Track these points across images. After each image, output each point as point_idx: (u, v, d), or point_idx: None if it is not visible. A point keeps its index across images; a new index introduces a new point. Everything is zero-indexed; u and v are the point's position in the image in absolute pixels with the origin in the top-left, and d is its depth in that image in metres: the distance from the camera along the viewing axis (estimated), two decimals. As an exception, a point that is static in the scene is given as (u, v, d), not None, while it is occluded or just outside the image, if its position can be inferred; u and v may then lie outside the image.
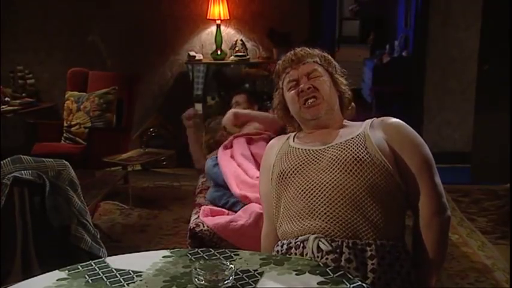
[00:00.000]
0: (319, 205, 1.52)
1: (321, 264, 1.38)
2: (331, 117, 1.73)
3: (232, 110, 3.15)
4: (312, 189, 1.56)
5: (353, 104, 1.83)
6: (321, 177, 1.56)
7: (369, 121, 1.71)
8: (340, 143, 1.62)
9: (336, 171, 1.55)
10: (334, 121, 1.74)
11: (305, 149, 1.67)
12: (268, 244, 1.72)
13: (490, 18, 4.34)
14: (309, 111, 1.71)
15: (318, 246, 1.47)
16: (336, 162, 1.57)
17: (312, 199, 1.54)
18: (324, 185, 1.54)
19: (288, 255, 1.51)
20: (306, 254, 1.48)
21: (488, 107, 4.39)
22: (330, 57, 1.82)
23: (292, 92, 1.74)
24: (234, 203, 2.62)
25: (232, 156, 2.88)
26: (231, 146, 3.00)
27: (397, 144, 1.61)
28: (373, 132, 1.64)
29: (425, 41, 4.86)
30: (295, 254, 1.51)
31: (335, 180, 1.54)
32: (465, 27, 4.74)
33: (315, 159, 1.62)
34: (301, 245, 1.51)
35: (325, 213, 1.51)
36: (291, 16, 4.89)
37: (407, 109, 5.21)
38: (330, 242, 1.47)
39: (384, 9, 9.21)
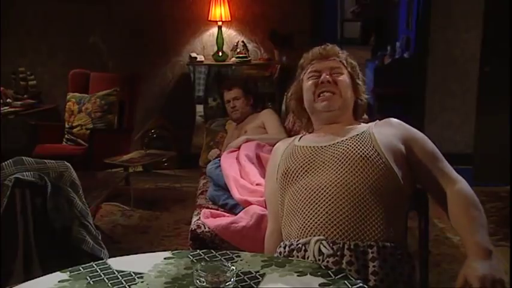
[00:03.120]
0: (321, 203, 1.53)
1: (323, 267, 1.38)
2: (342, 114, 1.75)
3: (245, 137, 3.15)
4: (315, 187, 1.56)
5: (366, 116, 1.86)
6: (324, 175, 1.57)
7: (372, 122, 1.73)
8: (346, 139, 1.64)
9: (339, 169, 1.56)
10: (343, 118, 1.75)
11: (310, 147, 1.68)
12: (271, 244, 1.72)
13: (491, 20, 4.34)
14: (322, 103, 1.74)
15: (320, 250, 1.47)
16: (340, 158, 1.58)
17: (314, 197, 1.55)
18: (327, 183, 1.55)
19: (289, 258, 1.51)
20: (308, 258, 1.48)
21: (489, 108, 4.39)
22: (355, 63, 1.86)
23: (311, 81, 1.77)
24: (234, 205, 2.63)
25: (236, 158, 2.88)
26: (239, 148, 3.00)
27: (408, 137, 1.65)
28: (378, 131, 1.65)
29: (427, 42, 4.85)
30: (297, 256, 1.51)
31: (338, 179, 1.55)
32: (466, 28, 4.74)
33: (320, 156, 1.63)
34: (303, 247, 1.51)
35: (327, 212, 1.51)
36: (292, 17, 4.89)
37: (408, 110, 5.20)
38: (331, 244, 1.47)
39: (385, 10, 9.21)
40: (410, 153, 1.62)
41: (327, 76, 1.74)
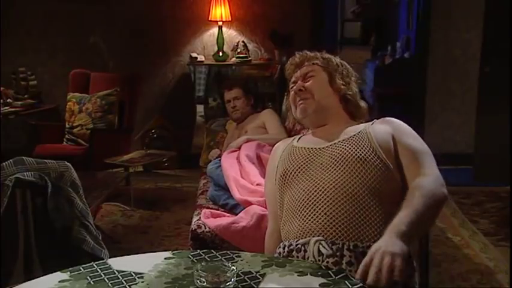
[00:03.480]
0: (320, 204, 1.53)
1: (323, 267, 1.38)
2: (323, 116, 1.77)
3: (245, 137, 3.15)
4: (313, 188, 1.57)
5: (364, 104, 1.85)
6: (323, 176, 1.58)
7: (369, 122, 1.73)
8: (343, 140, 1.65)
9: (338, 170, 1.56)
10: (331, 119, 1.76)
11: (308, 148, 1.69)
12: (271, 244, 1.72)
13: (492, 20, 4.34)
14: (299, 110, 1.79)
15: (319, 250, 1.47)
16: (338, 160, 1.58)
17: (313, 198, 1.55)
18: (326, 184, 1.55)
19: (289, 258, 1.51)
20: (308, 258, 1.48)
21: (490, 108, 4.39)
22: (330, 57, 1.87)
23: (292, 93, 1.83)
24: (234, 205, 2.63)
25: (237, 158, 2.88)
26: (239, 148, 3.00)
27: (395, 134, 1.64)
28: (374, 130, 1.65)
29: (427, 42, 4.86)
30: (297, 257, 1.51)
31: (337, 179, 1.55)
32: (467, 29, 4.74)
33: (318, 158, 1.64)
34: (303, 248, 1.51)
35: (326, 213, 1.51)
36: (292, 17, 4.89)
37: (408, 110, 5.20)
38: (330, 244, 1.47)
39: (385, 10, 9.20)
40: (396, 150, 1.62)
41: (298, 86, 1.79)
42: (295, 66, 1.87)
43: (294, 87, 1.81)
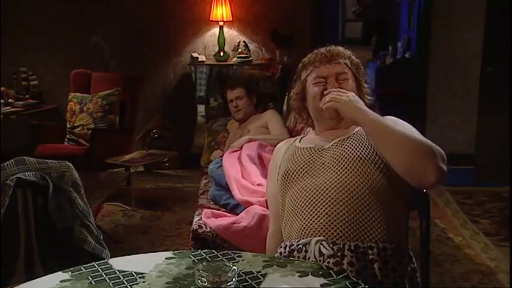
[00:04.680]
0: (321, 204, 1.53)
1: (324, 267, 1.38)
2: (349, 121, 1.72)
3: (247, 137, 3.15)
4: (315, 188, 1.57)
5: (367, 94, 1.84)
6: (324, 176, 1.58)
7: None
8: (343, 139, 1.65)
9: (339, 169, 1.56)
10: (348, 125, 1.73)
11: (310, 148, 1.68)
12: (273, 245, 1.72)
13: (493, 20, 4.34)
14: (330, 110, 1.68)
15: (320, 250, 1.47)
16: (340, 159, 1.58)
17: (314, 198, 1.55)
18: (327, 184, 1.55)
19: (290, 258, 1.51)
20: (309, 258, 1.48)
21: (491, 108, 4.38)
22: (359, 62, 1.81)
23: (317, 88, 1.72)
24: (235, 205, 2.63)
25: (238, 158, 2.88)
26: (240, 148, 3.00)
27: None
28: None
29: (428, 42, 4.85)
30: (298, 257, 1.51)
31: (338, 178, 1.55)
32: (468, 29, 4.73)
33: (320, 157, 1.63)
34: (304, 248, 1.51)
35: (327, 213, 1.51)
36: (293, 18, 4.89)
37: (409, 111, 5.20)
38: (331, 245, 1.47)
39: (386, 10, 9.22)
40: None
41: (335, 86, 1.69)
42: (324, 57, 1.73)
43: (329, 87, 1.69)
